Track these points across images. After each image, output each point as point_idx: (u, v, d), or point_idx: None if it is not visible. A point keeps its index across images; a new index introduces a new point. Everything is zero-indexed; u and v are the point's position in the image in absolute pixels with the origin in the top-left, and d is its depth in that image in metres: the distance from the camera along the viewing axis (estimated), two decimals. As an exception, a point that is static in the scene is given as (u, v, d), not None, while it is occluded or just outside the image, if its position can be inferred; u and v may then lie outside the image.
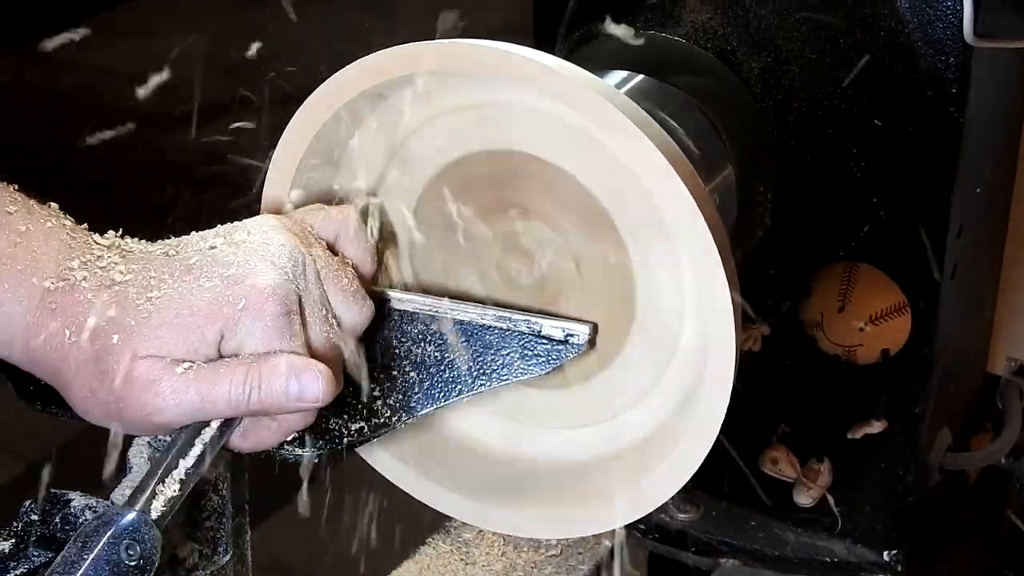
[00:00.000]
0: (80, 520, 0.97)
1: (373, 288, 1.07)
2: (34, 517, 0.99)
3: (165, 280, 0.95)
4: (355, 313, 1.01)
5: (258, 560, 1.05)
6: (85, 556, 0.88)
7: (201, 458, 0.94)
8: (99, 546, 0.88)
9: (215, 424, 0.96)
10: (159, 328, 0.93)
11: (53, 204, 1.01)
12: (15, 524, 0.99)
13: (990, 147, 1.33)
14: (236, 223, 1.01)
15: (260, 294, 0.95)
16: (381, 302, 1.06)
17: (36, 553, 0.98)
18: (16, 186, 1.00)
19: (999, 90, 1.32)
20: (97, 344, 0.94)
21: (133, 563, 0.88)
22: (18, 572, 0.97)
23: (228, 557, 1.00)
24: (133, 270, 0.96)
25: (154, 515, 0.91)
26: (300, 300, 0.97)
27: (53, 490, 1.00)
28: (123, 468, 0.99)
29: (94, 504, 0.99)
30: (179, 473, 0.93)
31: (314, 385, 0.96)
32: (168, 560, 0.97)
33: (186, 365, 0.94)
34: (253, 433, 0.99)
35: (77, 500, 0.99)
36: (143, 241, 1.00)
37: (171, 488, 0.93)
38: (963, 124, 1.25)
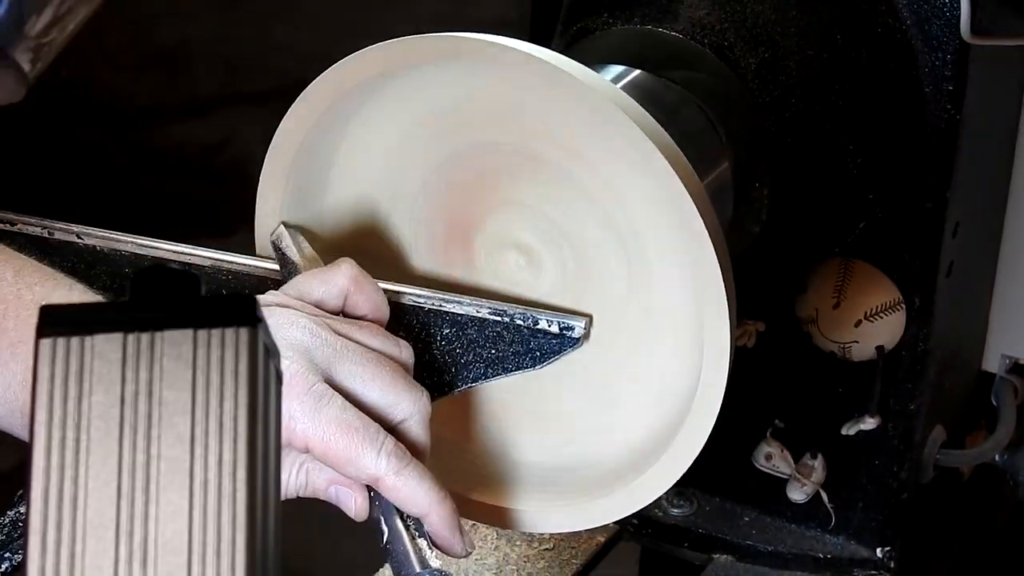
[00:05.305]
0: None
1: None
2: (22, 508, 0.99)
3: None
4: (406, 400, 0.97)
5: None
6: None
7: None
8: None
9: None
10: None
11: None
12: (8, 513, 0.99)
13: (987, 144, 1.33)
14: None
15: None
16: None
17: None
18: None
19: (996, 88, 1.32)
20: None
21: None
22: (14, 561, 0.97)
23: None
24: None
25: (435, 564, 0.94)
26: (328, 371, 0.94)
27: None
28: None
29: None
30: (408, 521, 0.96)
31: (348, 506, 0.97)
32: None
33: None
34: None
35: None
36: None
37: (408, 531, 0.95)
38: (960, 121, 1.24)
